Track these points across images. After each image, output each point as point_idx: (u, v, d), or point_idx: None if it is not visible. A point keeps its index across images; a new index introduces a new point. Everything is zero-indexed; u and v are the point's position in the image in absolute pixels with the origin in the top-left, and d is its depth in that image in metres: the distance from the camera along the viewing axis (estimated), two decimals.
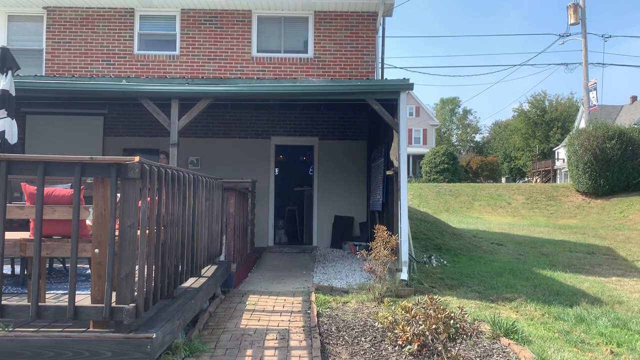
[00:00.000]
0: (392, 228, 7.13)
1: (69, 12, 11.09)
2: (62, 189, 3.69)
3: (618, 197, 21.46)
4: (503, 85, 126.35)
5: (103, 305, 3.07)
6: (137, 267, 3.27)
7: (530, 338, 4.59)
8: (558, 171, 44.61)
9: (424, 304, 3.93)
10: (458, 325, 3.69)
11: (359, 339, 4.46)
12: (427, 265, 8.78)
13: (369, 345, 4.27)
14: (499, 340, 4.46)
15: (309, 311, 5.36)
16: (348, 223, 10.88)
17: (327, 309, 5.49)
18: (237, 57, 11.07)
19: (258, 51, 11.15)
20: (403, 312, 4.06)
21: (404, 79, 7.18)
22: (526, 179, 53.50)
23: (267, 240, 10.89)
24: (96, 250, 3.17)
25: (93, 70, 10.99)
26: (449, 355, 3.67)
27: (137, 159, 3.14)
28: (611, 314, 5.62)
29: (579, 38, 26.56)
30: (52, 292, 4.51)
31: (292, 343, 4.26)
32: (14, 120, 6.05)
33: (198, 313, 4.76)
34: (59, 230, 3.60)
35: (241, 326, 4.76)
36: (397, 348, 4.14)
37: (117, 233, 3.14)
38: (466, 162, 47.58)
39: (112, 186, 3.13)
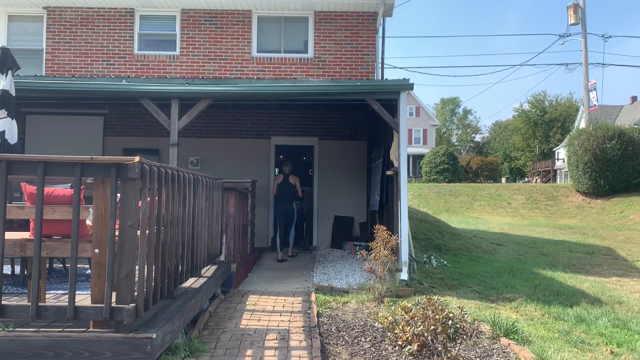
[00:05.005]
0: (392, 228, 7.13)
1: (69, 12, 11.09)
2: (62, 189, 3.69)
3: (618, 197, 21.46)
4: (503, 85, 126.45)
5: (103, 305, 3.07)
6: (137, 267, 3.27)
7: (530, 338, 4.59)
8: (558, 171, 44.61)
9: (423, 304, 3.93)
10: (458, 326, 3.69)
11: (359, 339, 4.46)
12: (427, 265, 8.78)
13: (369, 346, 4.27)
14: (499, 340, 4.46)
15: (309, 311, 5.36)
16: (348, 223, 10.88)
17: (327, 309, 5.49)
18: (237, 57, 11.07)
19: (258, 51, 11.15)
20: (403, 312, 4.06)
21: (404, 79, 7.18)
22: (526, 179, 53.51)
23: (267, 240, 10.89)
24: (96, 250, 3.17)
25: (93, 70, 10.99)
26: (448, 355, 3.67)
27: (137, 159, 3.14)
28: (611, 314, 5.62)
29: (579, 38, 26.57)
30: (52, 292, 4.51)
31: (292, 343, 4.26)
32: (14, 120, 6.05)
33: (198, 313, 4.76)
34: (59, 230, 3.60)
35: (241, 326, 4.76)
36: (397, 348, 4.14)
37: (117, 233, 3.14)
38: (466, 162, 47.60)
39: (112, 186, 3.13)
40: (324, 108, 10.88)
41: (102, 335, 3.09)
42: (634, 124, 30.78)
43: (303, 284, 6.87)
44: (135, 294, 3.25)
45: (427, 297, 3.96)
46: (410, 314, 3.96)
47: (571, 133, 25.93)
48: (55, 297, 4.30)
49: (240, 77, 10.71)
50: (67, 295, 3.11)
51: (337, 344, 4.31)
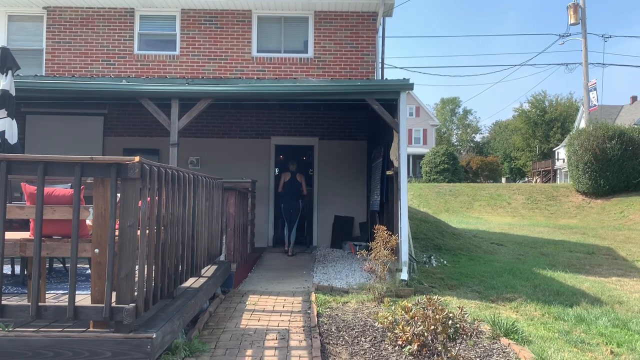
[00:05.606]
0: (392, 228, 7.13)
1: (69, 12, 11.09)
2: (62, 189, 3.69)
3: (618, 197, 21.46)
4: (503, 85, 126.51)
5: (103, 305, 3.07)
6: (137, 267, 3.27)
7: (530, 338, 4.59)
8: (558, 171, 44.62)
9: (423, 304, 3.93)
10: (458, 326, 3.69)
11: (359, 339, 4.46)
12: (427, 265, 8.78)
13: (369, 345, 4.27)
14: (499, 340, 4.46)
15: (309, 311, 5.36)
16: (348, 223, 10.88)
17: (327, 309, 5.49)
18: (237, 57, 11.07)
19: (258, 51, 11.15)
20: (403, 312, 4.06)
21: (404, 79, 7.18)
22: (526, 179, 53.52)
23: (267, 240, 10.89)
24: (96, 250, 3.17)
25: (93, 70, 10.99)
26: (448, 355, 3.67)
27: (137, 159, 3.14)
28: (611, 314, 5.62)
29: (579, 38, 26.58)
30: (52, 292, 4.51)
31: (292, 343, 4.26)
32: (14, 120, 6.05)
33: (198, 313, 4.76)
34: (59, 230, 3.60)
35: (241, 326, 4.76)
36: (397, 348, 4.14)
37: (117, 233, 3.14)
38: (466, 162, 47.59)
39: (112, 186, 3.13)
40: (324, 108, 10.88)
41: (102, 335, 3.09)
42: (634, 124, 30.78)
43: (303, 284, 6.87)
44: (135, 294, 3.25)
45: (427, 297, 3.96)
46: (410, 313, 3.96)
47: (571, 133, 25.93)
48: (55, 297, 4.31)
49: (240, 77, 10.71)
50: (67, 295, 3.11)
51: (337, 344, 4.31)
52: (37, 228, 3.13)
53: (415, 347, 3.90)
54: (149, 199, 3.43)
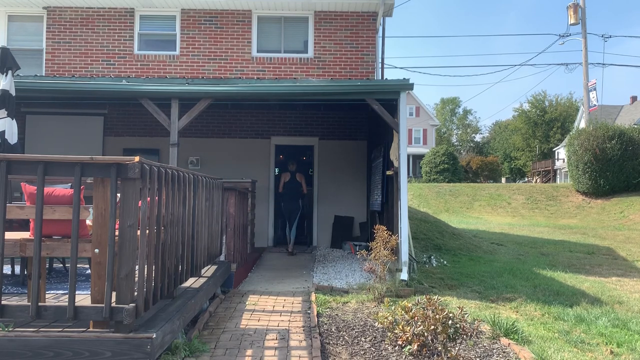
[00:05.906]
0: (392, 228, 7.13)
1: (69, 12, 11.10)
2: (62, 189, 3.69)
3: (618, 197, 21.46)
4: (503, 85, 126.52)
5: (103, 305, 3.07)
6: (137, 267, 3.27)
7: (530, 338, 4.59)
8: (558, 171, 44.61)
9: (423, 304, 3.93)
10: (458, 326, 3.69)
11: (359, 339, 4.46)
12: (427, 265, 8.78)
13: (369, 345, 4.27)
14: (499, 340, 4.46)
15: (309, 311, 5.36)
16: (348, 223, 10.88)
17: (327, 309, 5.49)
18: (237, 57, 11.07)
19: (258, 51, 11.15)
20: (403, 312, 4.06)
21: (404, 79, 7.18)
22: (526, 179, 53.52)
23: (267, 240, 10.89)
24: (96, 250, 3.17)
25: (93, 70, 10.99)
26: (448, 355, 3.67)
27: (137, 159, 3.14)
28: (611, 314, 5.62)
29: (579, 38, 26.58)
30: (52, 292, 4.51)
31: (292, 343, 4.26)
32: (14, 120, 6.05)
33: (198, 313, 4.76)
34: (59, 230, 3.60)
35: (241, 326, 4.76)
36: (397, 348, 4.14)
37: (117, 233, 3.14)
38: (466, 162, 47.59)
39: (112, 186, 3.12)
40: (324, 108, 10.88)
41: (102, 335, 3.09)
42: (634, 124, 30.78)
43: (303, 284, 6.87)
44: (135, 294, 3.25)
45: (427, 297, 3.96)
46: (410, 313, 3.96)
47: (571, 133, 25.93)
48: (55, 297, 4.31)
49: (240, 77, 10.71)
50: (67, 295, 3.11)
51: (337, 344, 4.31)
52: (37, 228, 3.12)
53: (415, 347, 3.90)
54: (149, 199, 3.43)
